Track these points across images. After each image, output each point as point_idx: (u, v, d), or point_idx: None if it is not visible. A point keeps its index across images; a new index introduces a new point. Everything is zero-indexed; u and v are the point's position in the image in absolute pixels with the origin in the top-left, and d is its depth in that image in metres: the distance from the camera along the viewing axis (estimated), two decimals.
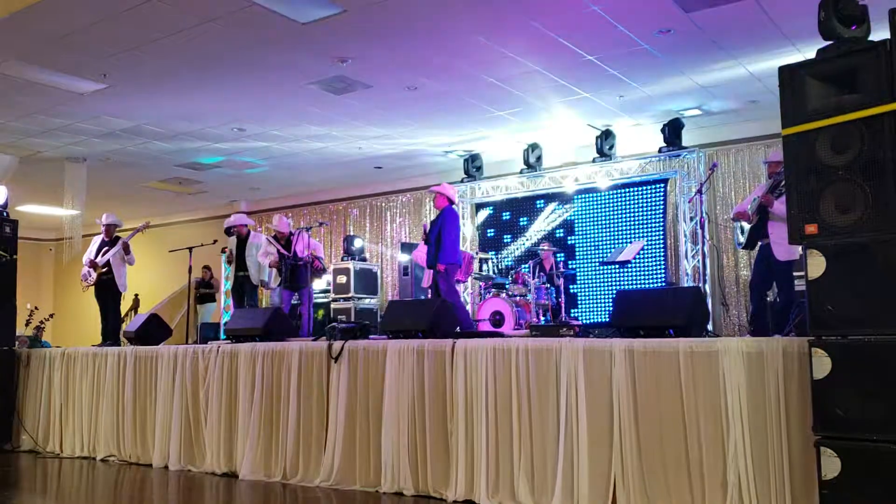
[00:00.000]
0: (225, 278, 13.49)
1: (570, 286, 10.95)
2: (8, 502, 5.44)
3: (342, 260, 12.51)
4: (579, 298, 11.25)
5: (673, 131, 10.09)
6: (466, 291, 11.75)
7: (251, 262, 9.03)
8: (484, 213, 12.53)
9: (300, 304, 9.07)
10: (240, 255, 9.11)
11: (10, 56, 7.69)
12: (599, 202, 11.30)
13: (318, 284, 11.46)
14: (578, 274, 11.25)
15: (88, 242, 9.32)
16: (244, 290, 9.16)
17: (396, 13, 6.83)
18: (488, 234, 12.46)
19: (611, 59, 8.02)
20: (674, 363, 4.23)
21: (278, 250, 8.84)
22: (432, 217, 8.90)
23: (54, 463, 7.07)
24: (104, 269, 8.80)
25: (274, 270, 8.94)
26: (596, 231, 11.29)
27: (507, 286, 10.19)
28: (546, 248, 10.46)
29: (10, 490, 6.00)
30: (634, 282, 10.82)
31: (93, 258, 8.85)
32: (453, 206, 8.48)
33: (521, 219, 12.13)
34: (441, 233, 8.16)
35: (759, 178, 10.10)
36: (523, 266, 10.92)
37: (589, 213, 11.39)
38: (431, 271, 8.45)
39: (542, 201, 11.85)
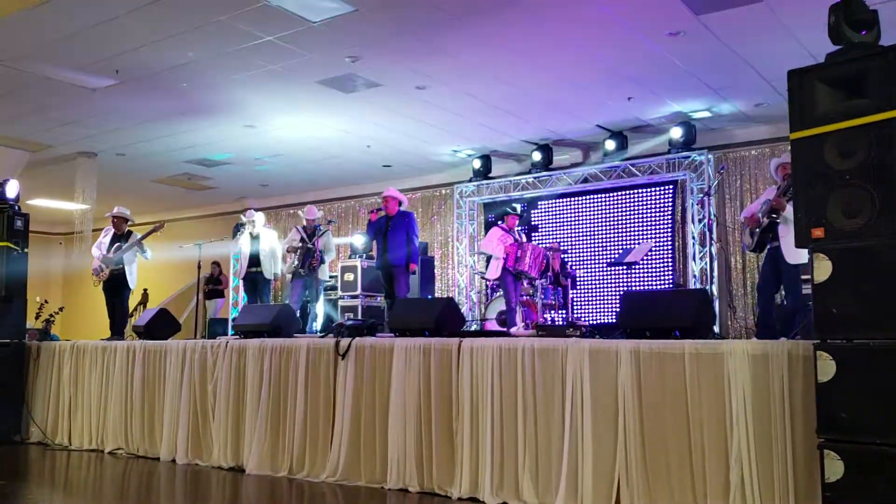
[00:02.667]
0: (234, 274, 13.57)
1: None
2: (17, 493, 5.49)
3: (350, 258, 12.53)
4: (587, 299, 11.26)
5: (682, 133, 10.12)
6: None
7: (264, 256, 9.13)
8: (490, 213, 12.54)
9: (311, 300, 9.16)
10: (253, 252, 9.20)
11: (24, 52, 7.75)
12: (608, 203, 11.30)
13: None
14: (588, 275, 11.26)
15: (98, 237, 9.35)
16: (257, 286, 9.24)
17: (407, 13, 6.86)
18: None
19: (621, 61, 8.04)
20: (679, 365, 4.24)
21: (301, 238, 9.09)
22: (418, 218, 9.22)
23: (63, 455, 7.12)
24: (117, 266, 8.82)
25: (292, 257, 9.10)
26: (604, 232, 11.29)
27: None
28: (553, 248, 10.46)
29: (18, 481, 6.06)
30: (641, 283, 10.83)
31: (105, 253, 8.86)
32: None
33: (528, 218, 12.13)
34: (409, 235, 8.61)
35: (767, 181, 10.09)
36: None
37: (597, 214, 11.39)
38: (500, 262, 8.87)
39: (550, 201, 11.86)
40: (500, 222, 9.61)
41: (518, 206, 10.48)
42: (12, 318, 7.91)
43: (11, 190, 8.03)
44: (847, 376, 3.42)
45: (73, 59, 7.95)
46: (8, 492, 5.44)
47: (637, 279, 10.82)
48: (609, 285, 11.15)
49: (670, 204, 10.79)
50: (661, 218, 10.85)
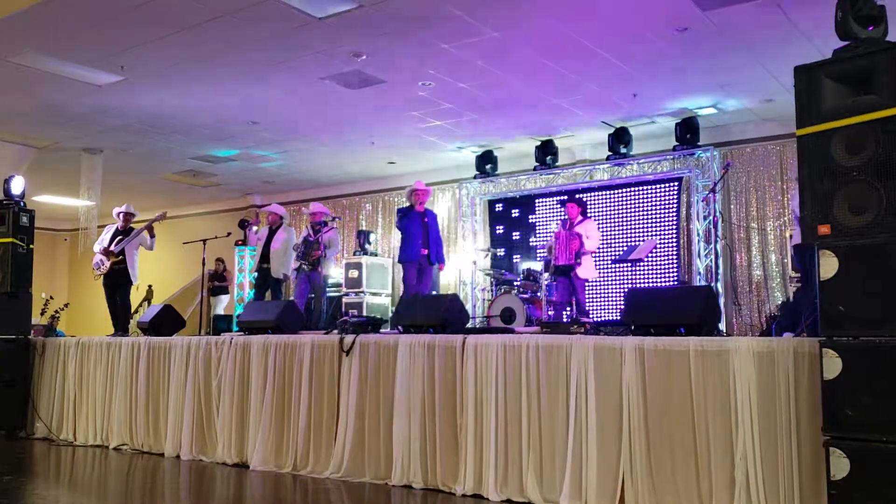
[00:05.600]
0: (249, 271, 13.58)
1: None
2: (22, 488, 5.51)
3: (354, 255, 12.53)
4: (591, 296, 11.23)
5: (688, 130, 10.09)
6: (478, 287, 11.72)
7: (274, 254, 9.13)
8: (495, 210, 12.52)
9: (315, 297, 9.17)
10: (266, 247, 9.23)
11: (30, 47, 7.76)
12: (613, 200, 11.28)
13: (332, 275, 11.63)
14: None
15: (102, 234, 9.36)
16: (268, 282, 9.24)
17: (411, 9, 6.84)
18: (497, 231, 12.46)
19: (626, 57, 8.01)
20: (684, 362, 4.23)
21: (307, 233, 9.17)
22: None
23: (68, 450, 7.15)
24: (118, 259, 8.82)
25: (293, 254, 9.13)
26: (609, 229, 11.26)
27: (517, 283, 10.18)
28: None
29: (24, 476, 6.08)
30: (646, 280, 10.79)
31: (106, 246, 8.87)
32: None
33: (531, 216, 12.11)
34: (437, 233, 8.75)
35: (773, 178, 10.08)
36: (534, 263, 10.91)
37: (602, 211, 11.36)
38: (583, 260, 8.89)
39: (555, 199, 11.83)
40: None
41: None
42: (18, 314, 7.94)
43: (17, 186, 8.05)
44: (853, 374, 3.41)
45: (79, 54, 7.94)
46: (13, 487, 5.46)
47: (642, 276, 10.78)
48: (614, 282, 11.12)
49: (675, 201, 10.75)
50: (666, 215, 10.82)
